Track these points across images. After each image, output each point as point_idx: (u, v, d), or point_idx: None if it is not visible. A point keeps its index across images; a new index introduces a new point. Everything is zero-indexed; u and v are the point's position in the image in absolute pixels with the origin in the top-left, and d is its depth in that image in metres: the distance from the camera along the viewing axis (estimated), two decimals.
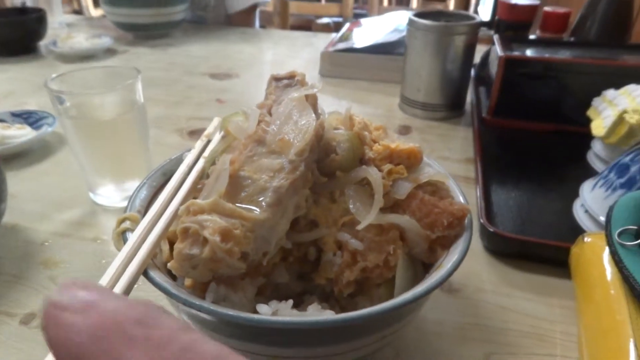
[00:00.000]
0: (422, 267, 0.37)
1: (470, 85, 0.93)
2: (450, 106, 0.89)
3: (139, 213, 0.38)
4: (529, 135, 0.80)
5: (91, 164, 0.61)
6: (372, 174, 0.36)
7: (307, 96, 0.39)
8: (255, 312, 0.31)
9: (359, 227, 0.35)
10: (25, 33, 1.24)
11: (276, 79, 0.42)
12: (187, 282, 0.33)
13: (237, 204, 0.31)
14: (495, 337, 0.44)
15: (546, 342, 0.43)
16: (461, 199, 0.39)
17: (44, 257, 0.54)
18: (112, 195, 0.63)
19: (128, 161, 0.63)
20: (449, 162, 0.74)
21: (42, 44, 1.30)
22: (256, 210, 0.31)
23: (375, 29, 1.20)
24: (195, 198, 0.36)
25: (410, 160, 0.38)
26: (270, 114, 0.38)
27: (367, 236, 0.35)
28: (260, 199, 0.32)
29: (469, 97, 0.94)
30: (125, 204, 0.62)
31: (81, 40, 1.24)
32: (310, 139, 0.34)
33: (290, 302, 0.31)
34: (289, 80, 0.42)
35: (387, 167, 0.37)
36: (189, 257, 0.29)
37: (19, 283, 0.50)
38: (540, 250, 0.52)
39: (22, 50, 1.24)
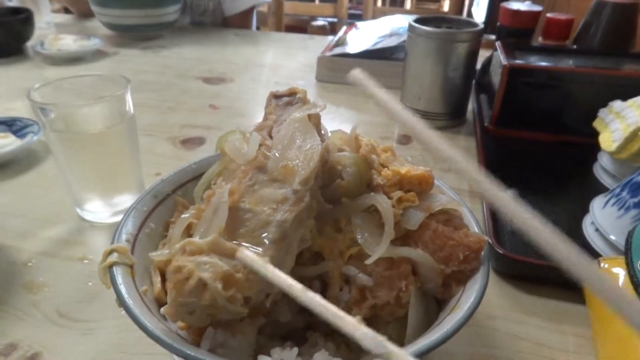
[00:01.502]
0: (435, 303, 0.34)
1: (472, 93, 0.91)
2: (452, 115, 0.87)
3: (127, 242, 0.35)
4: (533, 146, 0.77)
5: (78, 179, 0.57)
6: (382, 202, 0.33)
7: (309, 116, 0.36)
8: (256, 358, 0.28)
9: (368, 261, 0.32)
10: (10, 34, 1.20)
11: (276, 96, 0.39)
12: (181, 323, 0.31)
13: (237, 241, 0.28)
14: None
15: None
16: (475, 229, 0.36)
17: (27, 280, 0.50)
18: (100, 210, 0.59)
19: (117, 175, 0.60)
20: (452, 175, 0.71)
21: (29, 45, 1.25)
22: (259, 249, 0.28)
23: (372, 32, 1.17)
24: (190, 235, 0.33)
25: (422, 187, 0.36)
26: (270, 136, 0.35)
27: (376, 270, 0.33)
28: (263, 235, 0.29)
29: (470, 105, 0.91)
30: (114, 219, 0.60)
31: (69, 41, 1.20)
32: (316, 166, 0.32)
33: (295, 350, 0.28)
34: (289, 98, 0.39)
35: (397, 194, 0.35)
36: (186, 304, 0.26)
37: None
38: (552, 273, 0.50)
39: (7, 52, 1.20)
